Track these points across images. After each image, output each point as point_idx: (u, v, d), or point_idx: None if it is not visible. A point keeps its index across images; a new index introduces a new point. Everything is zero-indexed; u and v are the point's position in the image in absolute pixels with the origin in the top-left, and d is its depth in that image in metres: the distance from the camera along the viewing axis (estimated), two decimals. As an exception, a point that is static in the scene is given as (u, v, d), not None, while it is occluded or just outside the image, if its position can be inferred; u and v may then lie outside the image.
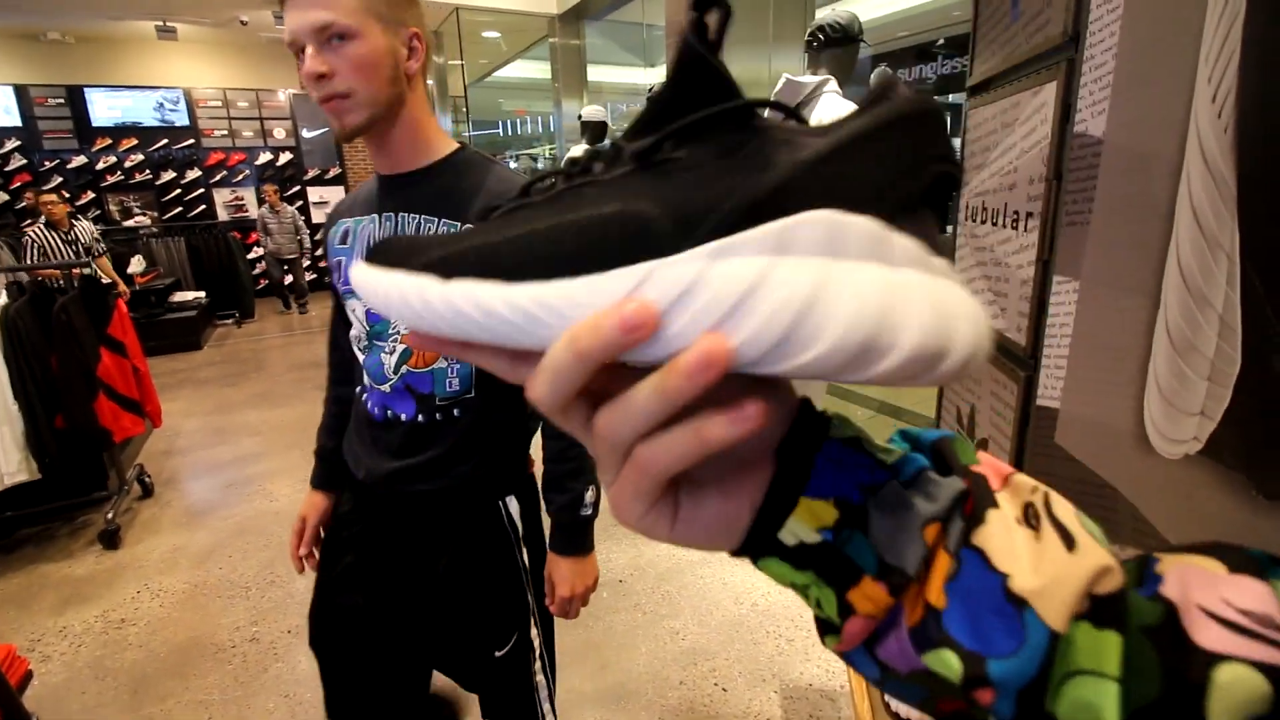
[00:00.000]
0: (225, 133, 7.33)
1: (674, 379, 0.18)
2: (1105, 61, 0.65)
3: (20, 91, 6.44)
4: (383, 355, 0.90)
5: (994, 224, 0.91)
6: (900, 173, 0.20)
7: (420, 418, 0.90)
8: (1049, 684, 0.19)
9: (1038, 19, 0.78)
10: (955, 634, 0.20)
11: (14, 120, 6.45)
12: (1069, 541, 0.21)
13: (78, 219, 4.45)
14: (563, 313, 0.19)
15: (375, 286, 0.23)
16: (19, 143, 6.47)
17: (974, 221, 0.99)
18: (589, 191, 0.22)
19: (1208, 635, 0.18)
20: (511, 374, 0.23)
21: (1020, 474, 0.23)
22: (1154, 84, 0.59)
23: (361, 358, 0.93)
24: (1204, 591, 0.19)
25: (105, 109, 6.80)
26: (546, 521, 1.02)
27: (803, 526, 0.22)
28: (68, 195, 6.55)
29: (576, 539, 0.96)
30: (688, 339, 0.18)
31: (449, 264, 0.21)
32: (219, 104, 7.26)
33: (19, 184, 6.41)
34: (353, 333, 0.94)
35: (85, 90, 6.70)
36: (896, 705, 0.95)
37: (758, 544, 0.23)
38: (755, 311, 0.17)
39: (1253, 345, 0.48)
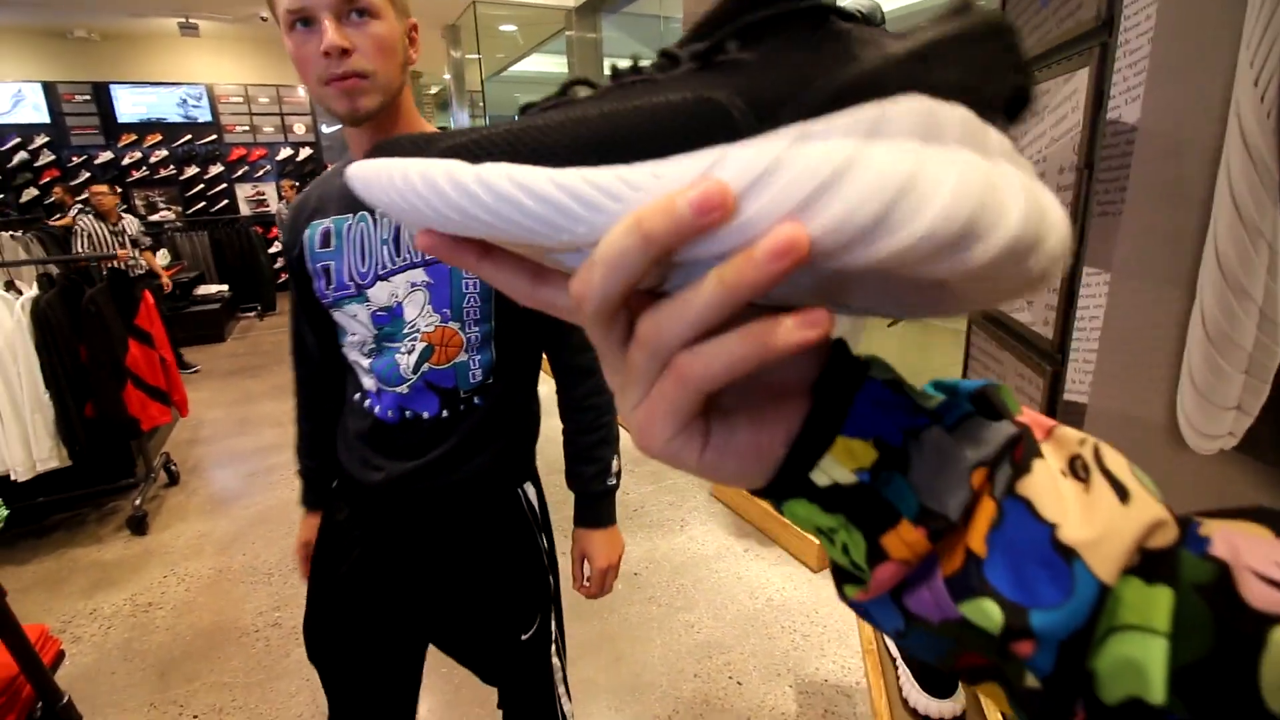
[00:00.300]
0: (247, 128, 7.42)
1: (745, 267, 0.16)
2: (1141, 46, 0.63)
3: (49, 88, 6.57)
4: (397, 356, 0.86)
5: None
6: (983, 77, 0.19)
7: (445, 413, 0.88)
8: (1093, 638, 0.19)
9: (1069, 3, 0.77)
10: (997, 584, 0.20)
11: (43, 117, 6.58)
12: (1122, 493, 0.20)
13: (125, 213, 4.55)
14: (621, 196, 0.17)
15: (387, 177, 0.20)
16: (48, 139, 6.60)
17: (1000, 212, 0.97)
18: (644, 88, 0.19)
19: (1261, 596, 0.18)
20: (530, 295, 0.22)
21: (1066, 427, 0.23)
22: (1192, 69, 0.57)
23: (366, 362, 0.88)
24: (1254, 555, 0.18)
25: (130, 105, 6.92)
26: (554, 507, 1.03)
27: (838, 466, 0.21)
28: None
29: (607, 510, 0.99)
30: (764, 226, 0.16)
31: (480, 147, 0.19)
32: (240, 100, 7.35)
33: (48, 179, 6.55)
34: (352, 338, 0.88)
35: (111, 87, 6.82)
36: (914, 701, 0.94)
37: (787, 483, 0.22)
38: (847, 191, 0.16)
39: (1294, 337, 0.47)
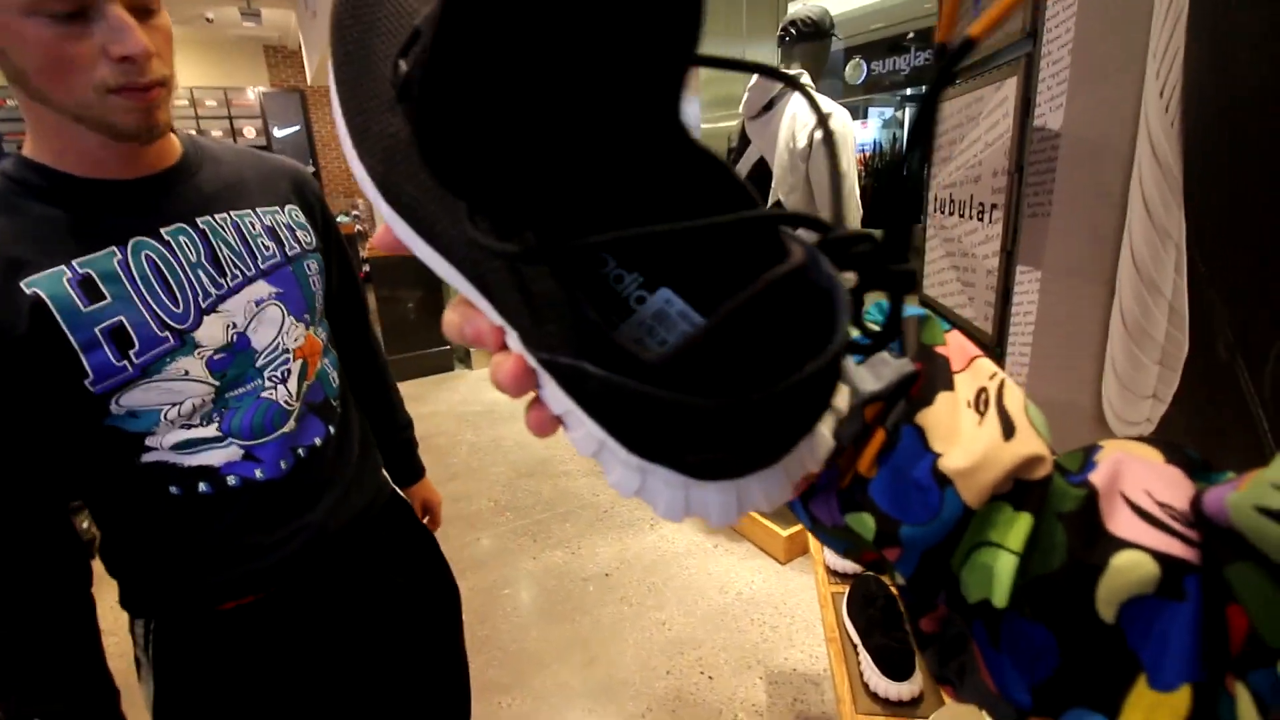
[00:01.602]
0: (193, 132, 7.18)
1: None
2: (1061, 57, 0.67)
3: (-24, 91, 6.25)
4: (264, 395, 0.69)
5: (961, 215, 0.93)
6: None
7: (331, 429, 0.77)
8: (955, 549, 0.22)
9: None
10: (878, 500, 0.23)
11: (-30, 121, 6.26)
12: (1009, 428, 0.22)
13: None
14: (425, 261, 0.23)
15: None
16: (-24, 145, 6.28)
17: (942, 214, 1.02)
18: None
19: (1120, 522, 0.21)
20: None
21: (985, 359, 0.25)
22: (1107, 79, 0.61)
23: (209, 430, 0.66)
24: (1131, 480, 0.22)
25: (67, 109, 6.64)
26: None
27: None
28: None
29: (419, 461, 1.04)
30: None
31: (386, 190, 0.23)
32: (186, 103, 7.10)
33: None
34: (173, 412, 0.63)
35: (45, 89, 6.53)
36: (875, 685, 0.98)
37: None
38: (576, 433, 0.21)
39: (1199, 330, 0.51)
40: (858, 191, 2.01)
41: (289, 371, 0.72)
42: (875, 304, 0.27)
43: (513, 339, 0.21)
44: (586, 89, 0.16)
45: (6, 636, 0.61)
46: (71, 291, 0.58)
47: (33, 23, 0.52)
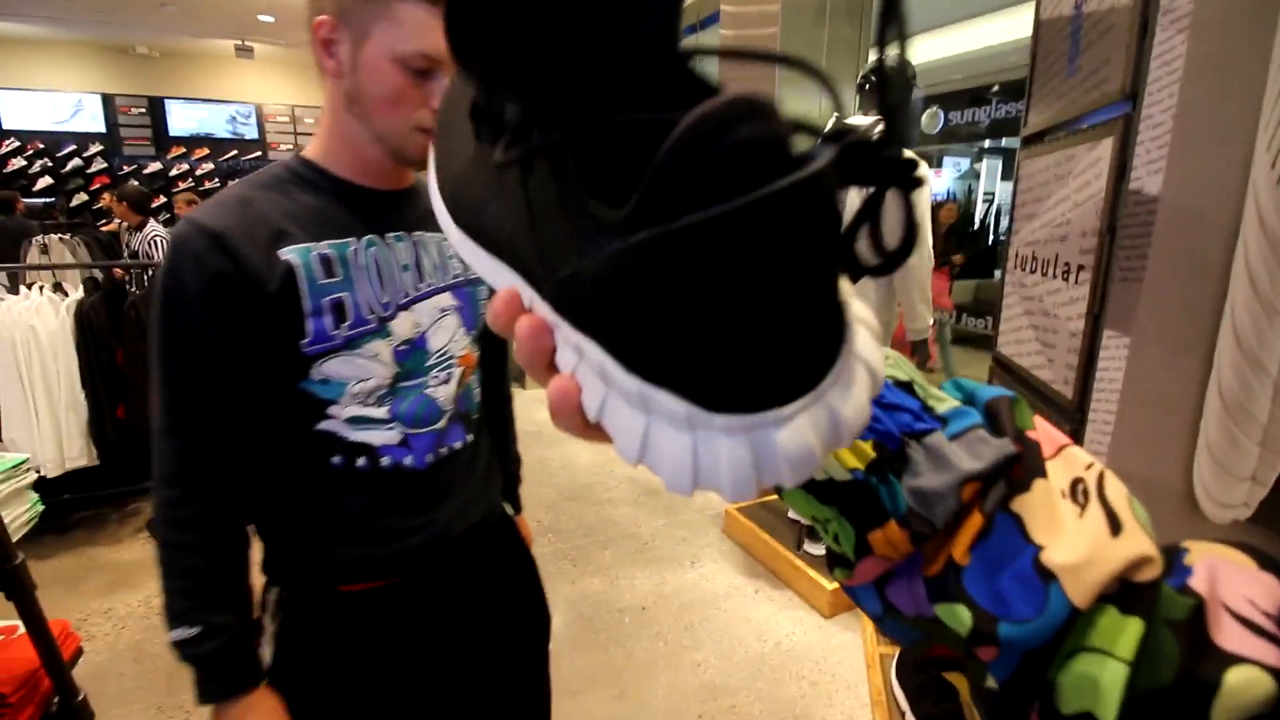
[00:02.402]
0: (290, 147, 7.70)
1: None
2: (1163, 121, 0.65)
3: (107, 100, 6.90)
4: (428, 391, 0.78)
5: (1043, 274, 0.91)
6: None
7: (469, 437, 0.84)
8: (1057, 654, 0.20)
9: (1095, 75, 0.79)
10: (973, 592, 0.21)
11: (99, 126, 6.90)
12: (1115, 524, 0.21)
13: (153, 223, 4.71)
14: (486, 278, 0.24)
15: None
16: (101, 147, 6.91)
17: (1023, 270, 0.99)
18: (511, 177, 0.21)
19: (1226, 634, 0.19)
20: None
21: (1076, 448, 0.23)
22: (1211, 147, 0.59)
23: (379, 412, 0.74)
24: (1230, 588, 0.20)
25: (182, 119, 7.23)
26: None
27: (835, 464, 0.22)
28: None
29: (519, 496, 1.07)
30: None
31: (455, 205, 0.26)
32: (287, 119, 7.65)
33: (98, 185, 6.83)
34: (358, 388, 0.73)
35: (165, 101, 7.14)
36: (923, 757, 0.93)
37: None
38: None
39: (1309, 414, 0.48)
40: (929, 241, 1.98)
41: (450, 375, 0.80)
42: (951, 380, 0.26)
43: (527, 292, 0.21)
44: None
45: (191, 548, 0.70)
46: (315, 264, 0.70)
47: (395, 68, 0.67)
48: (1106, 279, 0.74)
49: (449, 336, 0.80)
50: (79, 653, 1.27)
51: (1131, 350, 0.71)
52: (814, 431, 0.16)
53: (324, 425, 0.73)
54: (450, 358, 0.80)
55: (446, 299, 0.80)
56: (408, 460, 0.77)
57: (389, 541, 0.77)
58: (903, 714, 1.04)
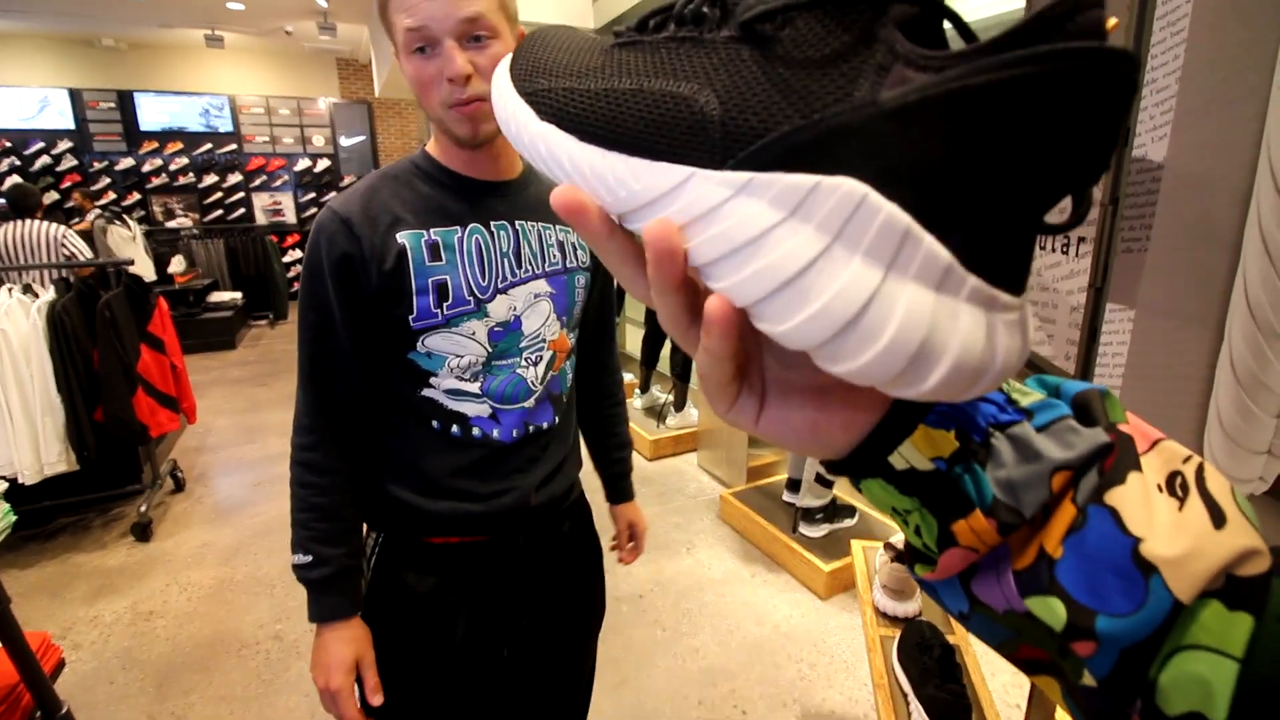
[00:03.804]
0: (267, 139, 7.53)
1: (653, 274, 0.20)
2: (1168, 85, 0.63)
3: (74, 95, 6.70)
4: (519, 370, 0.83)
5: (1041, 248, 0.88)
6: (1008, 177, 0.15)
7: (556, 419, 0.90)
8: (1159, 651, 0.19)
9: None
10: (1068, 585, 0.20)
11: (68, 123, 6.71)
12: (1218, 517, 0.20)
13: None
14: (612, 189, 0.21)
15: (499, 91, 0.25)
16: (71, 144, 6.72)
17: (1020, 244, 0.97)
18: (683, 54, 0.20)
19: None
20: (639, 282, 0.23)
21: (1172, 441, 0.22)
22: (1222, 108, 0.57)
23: (473, 386, 0.81)
24: None
25: (153, 113, 7.04)
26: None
27: (916, 453, 0.22)
28: (115, 196, 6.81)
29: (631, 485, 1.13)
30: (698, 261, 0.19)
31: (544, 102, 0.23)
32: (262, 111, 7.47)
33: (69, 184, 6.65)
34: (455, 363, 0.80)
35: (135, 95, 6.95)
36: (928, 740, 0.92)
37: (863, 463, 0.23)
38: (749, 264, 0.17)
39: (1331, 384, 0.46)
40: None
41: (540, 358, 0.86)
42: (1033, 377, 0.26)
43: (696, 179, 0.19)
44: None
45: (314, 487, 0.81)
46: (424, 248, 0.77)
47: (408, 58, 0.73)
48: (1109, 250, 0.72)
49: (542, 320, 0.85)
50: (61, 664, 1.23)
51: (1136, 323, 0.69)
52: (1022, 335, 0.17)
53: (427, 392, 0.81)
54: (542, 341, 0.85)
55: (542, 285, 0.85)
56: (495, 433, 0.84)
57: (472, 501, 0.84)
58: (905, 696, 1.03)
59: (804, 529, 2.25)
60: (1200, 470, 0.21)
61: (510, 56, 0.26)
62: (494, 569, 0.88)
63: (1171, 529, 0.19)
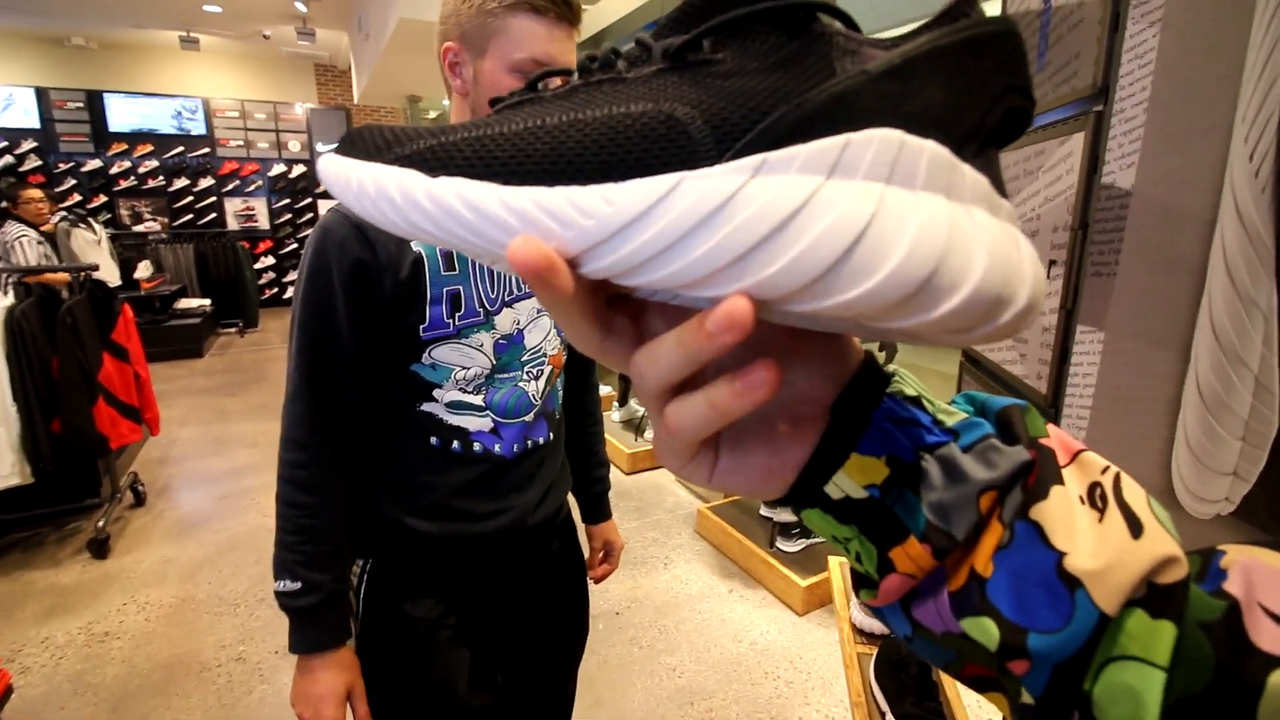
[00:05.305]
0: (241, 143, 7.42)
1: (694, 335, 0.17)
2: (1136, 115, 0.65)
3: (41, 94, 6.54)
4: (521, 384, 0.83)
5: (1014, 270, 0.90)
6: (973, 100, 0.18)
7: (551, 435, 0.90)
8: (1090, 664, 0.19)
9: (1065, 69, 0.79)
10: (998, 604, 0.20)
11: (33, 122, 6.53)
12: (1135, 527, 0.20)
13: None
14: (570, 222, 0.17)
15: (344, 179, 0.20)
16: (35, 144, 6.54)
17: (993, 266, 0.99)
18: (610, 90, 0.19)
19: (1266, 636, 0.18)
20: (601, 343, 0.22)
21: (1091, 453, 0.23)
22: (1187, 140, 0.59)
23: (476, 399, 0.81)
24: (1268, 590, 0.19)
25: (124, 115, 6.89)
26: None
27: (850, 482, 0.22)
28: (80, 198, 6.63)
29: (608, 502, 1.12)
30: (716, 263, 0.16)
31: (437, 157, 0.19)
32: (236, 114, 7.36)
33: (34, 185, 6.47)
34: (460, 375, 0.79)
35: (105, 95, 6.80)
36: (904, 759, 0.92)
37: (802, 495, 0.23)
38: (800, 236, 0.15)
39: (1293, 409, 0.47)
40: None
41: (541, 372, 0.86)
42: (962, 394, 0.26)
43: (698, 172, 0.17)
44: None
45: (305, 508, 0.76)
46: (439, 256, 0.77)
47: (510, 77, 0.74)
48: (1079, 274, 0.74)
49: (543, 335, 0.86)
50: (9, 690, 1.17)
51: (1106, 345, 0.70)
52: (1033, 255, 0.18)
53: (427, 406, 0.80)
54: (543, 355, 0.86)
55: None
56: (497, 448, 0.83)
57: (470, 522, 0.83)
58: (883, 714, 1.03)
59: (781, 544, 2.26)
60: (1118, 480, 0.22)
61: (338, 146, 0.22)
62: (490, 592, 0.87)
63: (1093, 541, 0.20)
